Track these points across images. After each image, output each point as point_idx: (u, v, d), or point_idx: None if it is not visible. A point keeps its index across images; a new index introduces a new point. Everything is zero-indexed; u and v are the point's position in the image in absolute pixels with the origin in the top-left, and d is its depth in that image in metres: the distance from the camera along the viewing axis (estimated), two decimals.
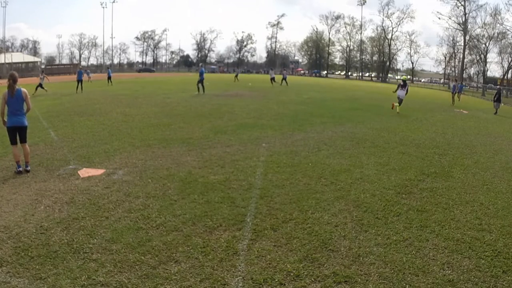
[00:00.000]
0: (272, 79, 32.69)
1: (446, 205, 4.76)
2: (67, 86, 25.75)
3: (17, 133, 5.76)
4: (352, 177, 5.76)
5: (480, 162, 7.21)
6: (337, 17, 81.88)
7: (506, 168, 6.83)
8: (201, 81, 20.19)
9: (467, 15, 54.64)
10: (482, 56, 53.68)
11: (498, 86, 22.59)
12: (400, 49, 74.62)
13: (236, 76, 39.47)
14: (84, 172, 5.69)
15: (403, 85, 15.06)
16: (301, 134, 9.30)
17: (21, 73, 60.01)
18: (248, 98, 18.74)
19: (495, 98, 19.66)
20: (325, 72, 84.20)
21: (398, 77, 77.50)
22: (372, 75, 79.40)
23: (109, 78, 29.83)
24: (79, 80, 21.51)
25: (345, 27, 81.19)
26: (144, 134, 8.78)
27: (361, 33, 78.52)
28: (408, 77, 17.41)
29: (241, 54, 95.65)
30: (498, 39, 50.87)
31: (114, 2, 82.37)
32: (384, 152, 7.61)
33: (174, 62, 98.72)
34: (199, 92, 19.93)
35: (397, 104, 14.84)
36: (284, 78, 33.17)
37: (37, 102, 16.21)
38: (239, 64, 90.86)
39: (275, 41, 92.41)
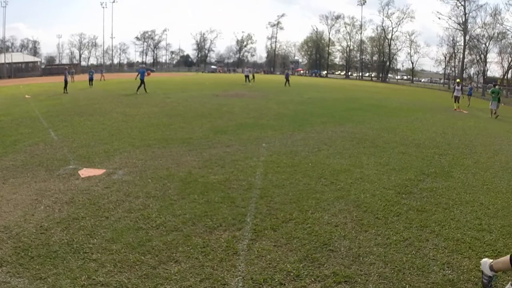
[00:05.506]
0: (247, 77, 34.11)
1: (446, 205, 4.76)
2: (68, 86, 25.68)
3: None
4: (352, 177, 5.76)
5: (480, 162, 7.20)
6: (337, 17, 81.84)
7: (506, 168, 6.83)
8: (142, 81, 20.71)
9: (467, 15, 54.57)
10: (482, 56, 53.65)
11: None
12: (400, 49, 74.49)
13: (247, 77, 34.24)
14: (84, 172, 5.69)
15: (457, 86, 19.90)
16: (301, 134, 9.30)
17: (21, 73, 60.14)
18: (248, 98, 18.74)
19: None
20: (325, 72, 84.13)
21: (398, 77, 77.54)
22: (372, 75, 79.32)
23: (90, 80, 27.74)
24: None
25: (345, 27, 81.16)
26: (144, 134, 8.79)
27: (361, 33, 78.47)
28: (458, 80, 21.06)
29: (241, 54, 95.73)
30: (498, 39, 50.81)
31: (114, 2, 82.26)
32: (384, 152, 7.61)
33: (174, 62, 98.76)
34: (138, 93, 20.23)
35: (456, 102, 18.75)
36: (287, 79, 31.89)
37: (37, 102, 16.23)
38: (239, 64, 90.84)
39: (275, 41, 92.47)
